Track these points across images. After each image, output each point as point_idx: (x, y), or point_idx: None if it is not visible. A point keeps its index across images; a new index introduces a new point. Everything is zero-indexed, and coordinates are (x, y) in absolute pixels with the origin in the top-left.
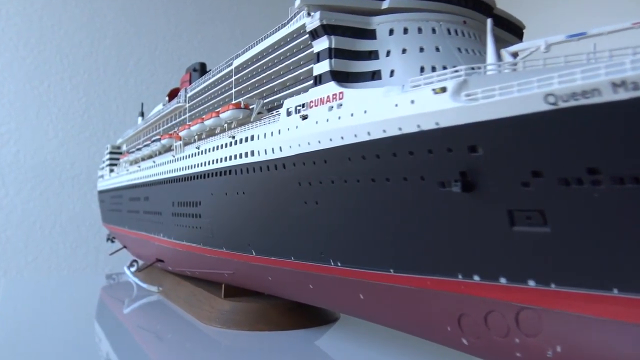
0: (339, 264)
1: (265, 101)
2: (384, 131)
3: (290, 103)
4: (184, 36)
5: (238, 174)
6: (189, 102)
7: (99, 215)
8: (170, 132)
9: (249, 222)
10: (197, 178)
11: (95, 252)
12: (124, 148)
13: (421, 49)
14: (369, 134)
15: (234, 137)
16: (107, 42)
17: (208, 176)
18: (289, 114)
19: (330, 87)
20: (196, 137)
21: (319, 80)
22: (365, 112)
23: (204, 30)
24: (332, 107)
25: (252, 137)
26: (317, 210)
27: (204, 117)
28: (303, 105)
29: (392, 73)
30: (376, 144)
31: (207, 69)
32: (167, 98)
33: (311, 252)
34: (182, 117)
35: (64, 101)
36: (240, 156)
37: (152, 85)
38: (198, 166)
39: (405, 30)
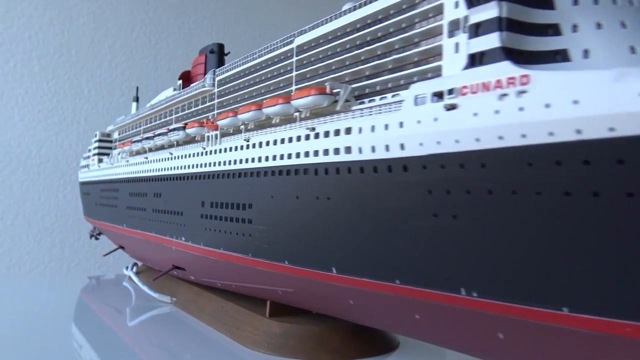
0: (476, 295)
1: (353, 87)
2: (612, 129)
3: (421, 89)
4: (163, 20)
5: (320, 175)
6: (218, 87)
7: (70, 206)
8: (198, 121)
9: (332, 234)
10: (245, 176)
11: (61, 245)
12: (116, 136)
13: (623, 24)
14: (578, 132)
15: (313, 129)
16: (81, 22)
17: (265, 174)
18: (419, 102)
19: (503, 69)
20: (242, 127)
21: (478, 59)
22: (575, 102)
23: (185, 14)
24: (507, 94)
25: (348, 130)
26: (454, 226)
27: (257, 104)
28: (450, 92)
29: (586, 54)
30: (592, 146)
31: (226, 51)
32: (179, 82)
33: (431, 276)
34: (209, 104)
35: (32, 83)
36: (326, 153)
37: (127, 70)
38: (247, 162)
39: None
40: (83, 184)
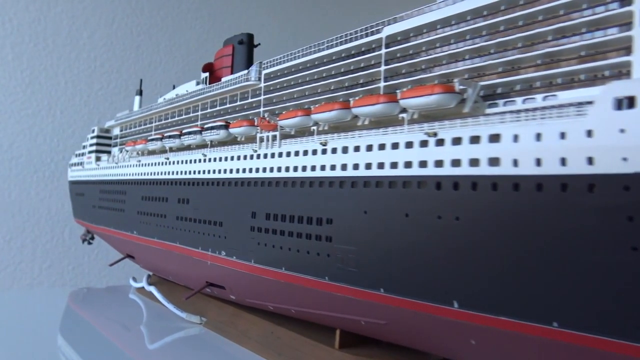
0: None
1: (482, 84)
2: None
3: (625, 89)
4: (145, 10)
5: (445, 190)
6: (265, 81)
7: (43, 205)
8: (247, 119)
9: (458, 262)
10: (321, 185)
11: (33, 246)
12: (116, 132)
13: None
14: None
15: (435, 135)
16: (59, 9)
17: (354, 185)
18: (624, 105)
19: None
20: (315, 128)
21: None
22: None
23: (167, 5)
24: None
25: (494, 137)
26: None
27: (341, 102)
28: None
29: None
30: None
31: (255, 43)
32: (204, 75)
33: (622, 321)
34: (252, 100)
35: (4, 72)
36: (456, 163)
37: (107, 62)
38: (324, 169)
39: None
40: (75, 183)
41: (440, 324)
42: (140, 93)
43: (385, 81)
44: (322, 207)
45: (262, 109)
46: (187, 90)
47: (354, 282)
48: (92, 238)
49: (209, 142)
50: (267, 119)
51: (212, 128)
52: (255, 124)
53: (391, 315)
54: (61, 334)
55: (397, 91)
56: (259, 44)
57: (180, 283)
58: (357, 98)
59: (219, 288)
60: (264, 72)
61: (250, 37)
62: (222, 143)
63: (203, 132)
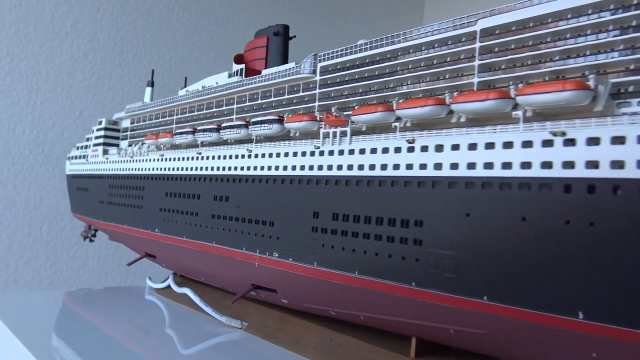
0: None
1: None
2: None
3: None
4: (131, 0)
5: (578, 193)
6: (321, 74)
7: (20, 199)
8: (304, 113)
9: (589, 270)
10: (407, 185)
11: (9, 241)
12: (126, 125)
13: None
14: None
15: (563, 134)
16: None
17: (451, 186)
18: None
19: None
20: (398, 125)
21: None
22: None
23: None
24: None
25: None
26: None
27: (435, 97)
28: None
29: None
30: None
31: (291, 35)
32: (239, 67)
33: None
34: (306, 93)
35: None
36: (592, 165)
37: (90, 52)
38: (411, 168)
39: None
40: (76, 177)
41: (559, 335)
42: (152, 84)
43: (479, 76)
44: (409, 208)
45: (316, 103)
46: (216, 83)
47: (449, 288)
48: (94, 235)
49: (254, 137)
50: (335, 113)
51: (262, 122)
52: (318, 118)
53: (494, 324)
54: (59, 336)
55: (511, 87)
56: (295, 36)
57: (214, 285)
58: (455, 94)
59: (268, 291)
60: (319, 64)
61: (286, 28)
62: (268, 138)
63: (251, 126)
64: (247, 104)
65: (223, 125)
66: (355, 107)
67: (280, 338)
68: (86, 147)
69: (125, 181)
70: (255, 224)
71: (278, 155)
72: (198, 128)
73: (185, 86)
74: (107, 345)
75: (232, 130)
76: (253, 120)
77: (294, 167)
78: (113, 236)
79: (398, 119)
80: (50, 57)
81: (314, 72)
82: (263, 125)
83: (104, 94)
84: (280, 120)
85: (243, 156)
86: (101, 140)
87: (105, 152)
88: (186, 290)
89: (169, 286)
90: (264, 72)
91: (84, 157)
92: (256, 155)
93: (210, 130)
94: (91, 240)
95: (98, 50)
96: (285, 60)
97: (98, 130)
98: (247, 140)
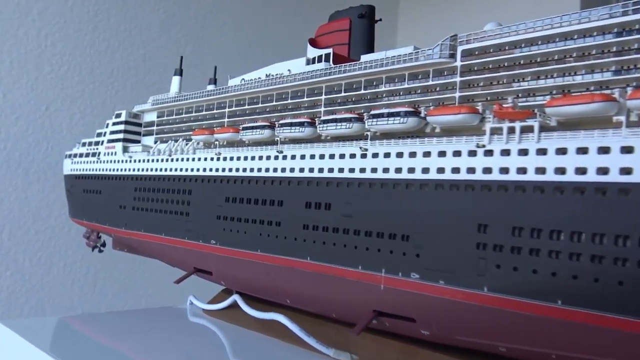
0: None
1: None
2: None
3: None
4: None
5: None
6: (463, 60)
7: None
8: (462, 104)
9: None
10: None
11: None
12: (151, 118)
13: None
14: None
15: None
16: None
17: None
18: None
19: None
20: (622, 119)
21: None
22: None
23: None
24: None
25: None
26: None
27: None
28: None
29: None
30: None
31: (377, 17)
32: (322, 52)
33: None
34: (441, 82)
35: None
36: None
37: (59, 42)
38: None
39: None
40: (81, 177)
41: None
42: (180, 73)
43: None
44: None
45: (457, 94)
46: (289, 70)
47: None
48: (104, 244)
49: (368, 134)
50: (511, 104)
51: (389, 115)
52: (480, 110)
53: None
54: None
55: None
56: (380, 19)
57: (308, 309)
58: None
59: (400, 320)
60: (460, 47)
61: (372, 9)
62: (385, 135)
63: (368, 120)
64: (348, 93)
65: (322, 118)
66: (549, 97)
67: None
68: (97, 143)
69: (161, 183)
70: (377, 238)
71: (413, 155)
72: (281, 122)
73: (214, 77)
74: None
75: (339, 124)
76: (372, 112)
77: (441, 170)
78: (139, 247)
79: (618, 112)
80: (14, 45)
81: (453, 56)
82: (389, 119)
83: (72, 88)
84: (415, 113)
85: (353, 155)
86: (121, 136)
87: (125, 149)
88: (278, 317)
89: (229, 306)
90: (365, 57)
91: (95, 154)
92: (376, 155)
93: (299, 124)
94: (100, 251)
95: (67, 40)
96: (371, 46)
97: (116, 124)
98: (356, 137)
